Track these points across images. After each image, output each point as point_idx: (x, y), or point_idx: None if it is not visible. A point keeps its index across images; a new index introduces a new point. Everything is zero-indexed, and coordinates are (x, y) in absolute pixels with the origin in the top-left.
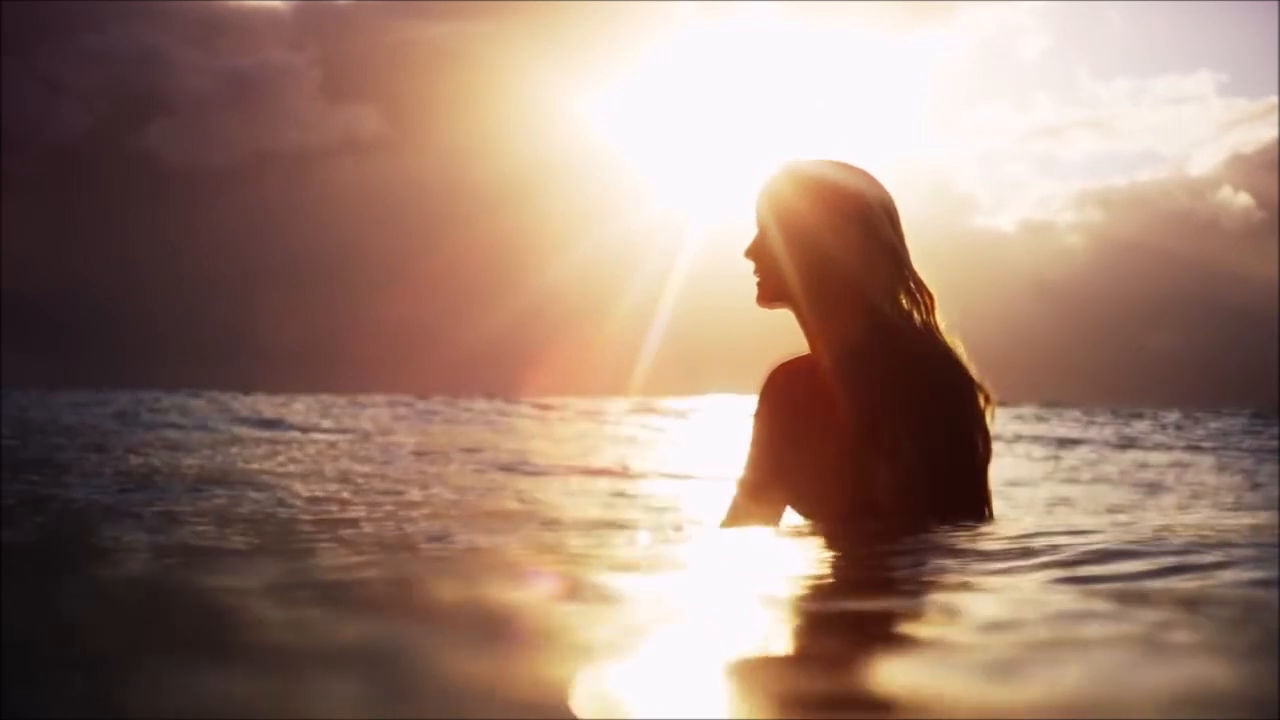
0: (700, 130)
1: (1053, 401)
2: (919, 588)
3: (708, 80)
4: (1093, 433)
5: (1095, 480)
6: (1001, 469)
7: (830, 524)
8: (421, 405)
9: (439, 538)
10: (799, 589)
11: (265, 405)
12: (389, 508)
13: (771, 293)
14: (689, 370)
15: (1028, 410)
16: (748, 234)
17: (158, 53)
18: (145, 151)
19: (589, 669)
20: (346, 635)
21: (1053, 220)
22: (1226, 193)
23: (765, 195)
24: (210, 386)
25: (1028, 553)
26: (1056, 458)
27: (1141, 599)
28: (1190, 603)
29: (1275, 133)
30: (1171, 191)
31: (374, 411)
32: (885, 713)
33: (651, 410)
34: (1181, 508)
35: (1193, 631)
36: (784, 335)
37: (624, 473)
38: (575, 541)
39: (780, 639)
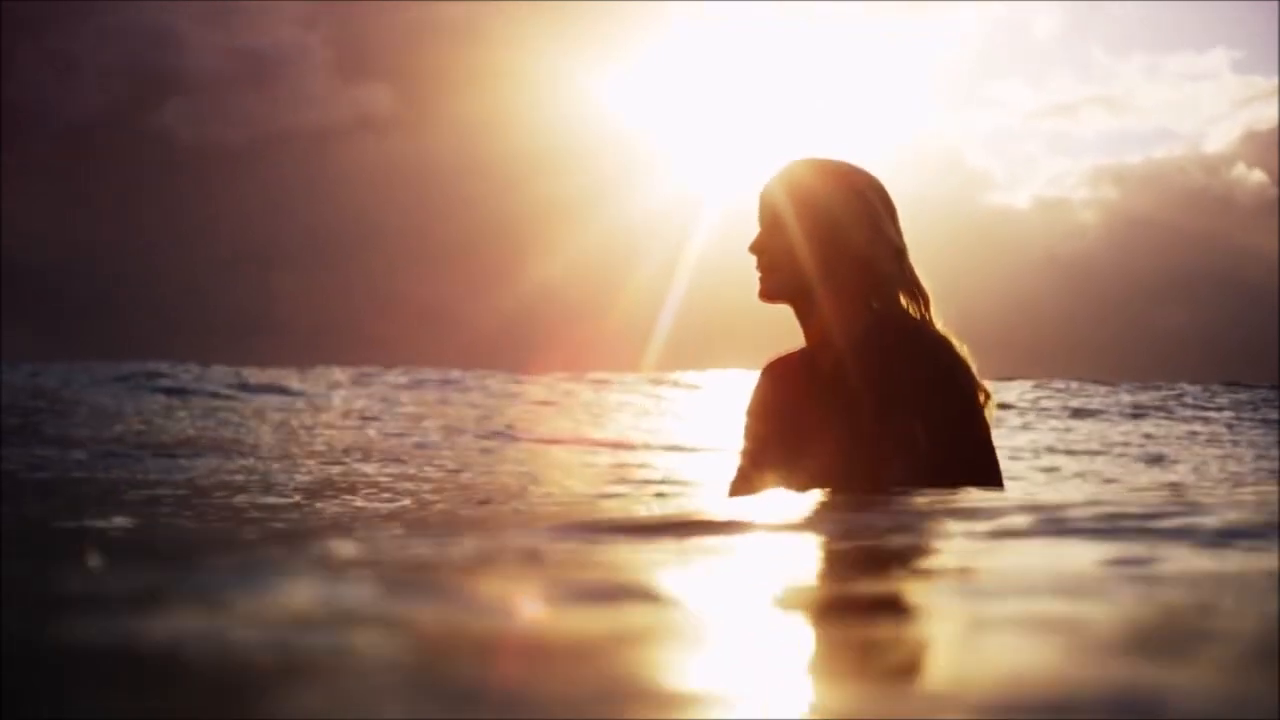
0: (715, 107)
1: (1064, 376)
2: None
3: (722, 57)
4: (1105, 404)
5: (1100, 451)
6: (1011, 438)
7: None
8: (436, 377)
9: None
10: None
11: (264, 377)
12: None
13: (775, 288)
14: (704, 345)
15: (1025, 383)
16: (754, 224)
17: (171, 31)
18: (160, 130)
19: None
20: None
21: (1066, 197)
22: (1240, 170)
23: (770, 193)
24: (225, 361)
25: (1052, 522)
26: (1068, 429)
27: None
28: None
29: None
30: (1185, 168)
31: (381, 385)
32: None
33: (664, 384)
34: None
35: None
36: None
37: (622, 444)
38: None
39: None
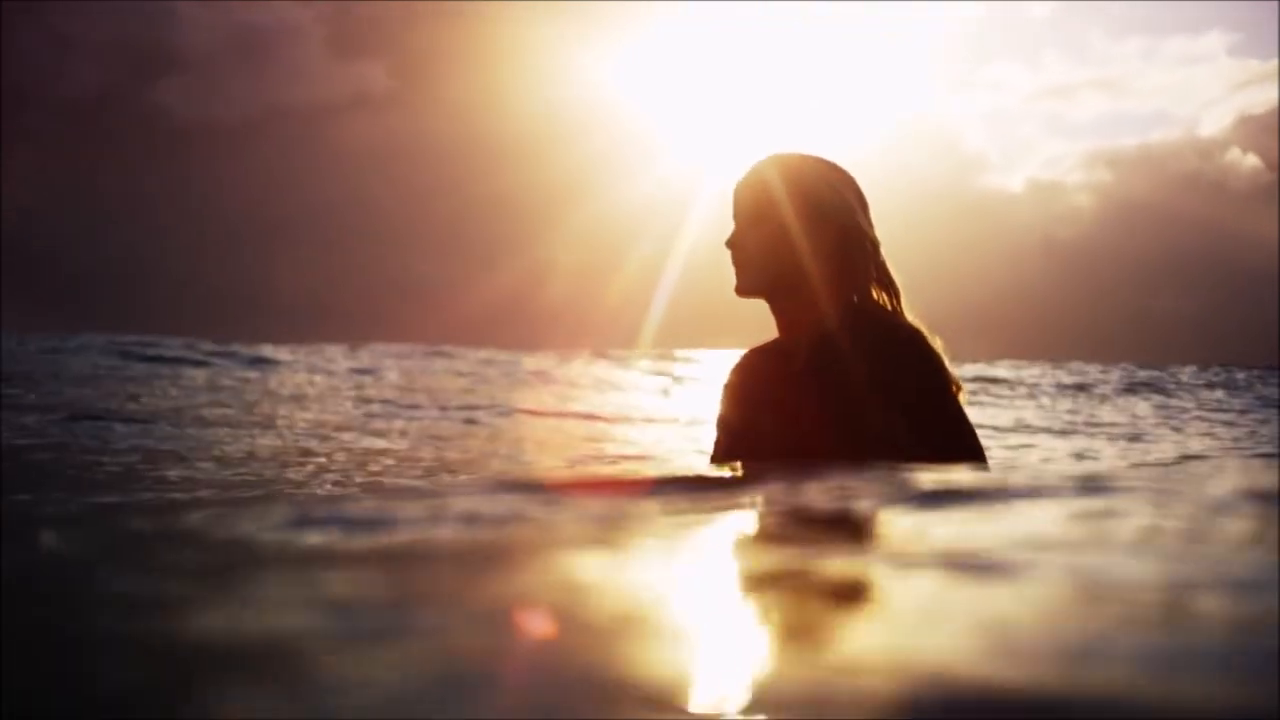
0: (714, 88)
1: (1061, 357)
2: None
3: (721, 39)
4: (1094, 382)
5: (1072, 430)
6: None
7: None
8: (426, 351)
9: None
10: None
11: (257, 351)
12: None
13: (753, 283)
14: (702, 323)
15: (1020, 363)
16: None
17: (168, 8)
18: (156, 106)
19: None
20: None
21: (1062, 180)
22: (1235, 154)
23: (748, 188)
24: (219, 335)
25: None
26: (1072, 401)
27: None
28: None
29: None
30: (1181, 152)
31: (373, 358)
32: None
33: (661, 362)
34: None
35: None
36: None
37: (600, 417)
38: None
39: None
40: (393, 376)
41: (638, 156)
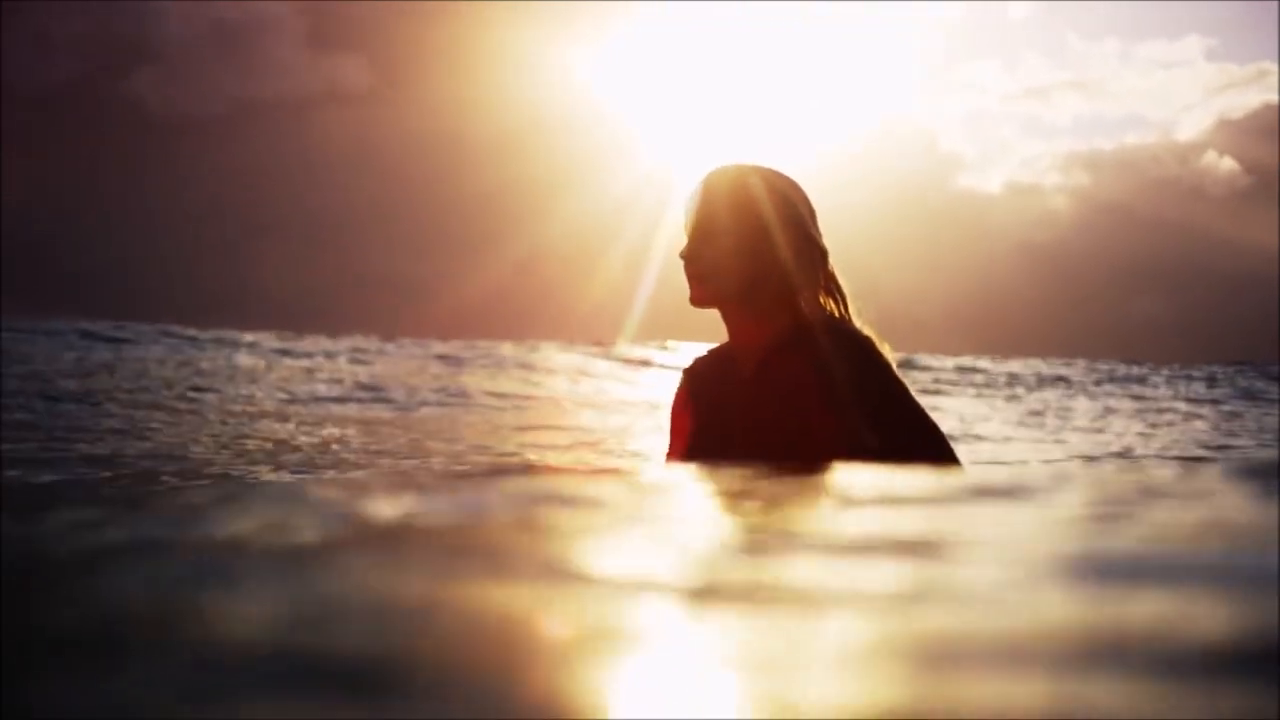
0: (691, 87)
1: (1042, 354)
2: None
3: (699, 39)
4: (1066, 380)
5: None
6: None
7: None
8: (388, 347)
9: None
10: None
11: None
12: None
13: (709, 294)
14: (683, 315)
15: (987, 362)
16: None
17: (142, 1)
18: (131, 99)
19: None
20: None
21: (1039, 182)
22: (1211, 157)
23: (699, 200)
24: (199, 324)
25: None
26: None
27: None
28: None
29: (1262, 98)
30: (1158, 155)
31: (342, 350)
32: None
33: (644, 350)
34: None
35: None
36: None
37: (559, 403)
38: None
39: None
40: (351, 367)
41: (619, 153)
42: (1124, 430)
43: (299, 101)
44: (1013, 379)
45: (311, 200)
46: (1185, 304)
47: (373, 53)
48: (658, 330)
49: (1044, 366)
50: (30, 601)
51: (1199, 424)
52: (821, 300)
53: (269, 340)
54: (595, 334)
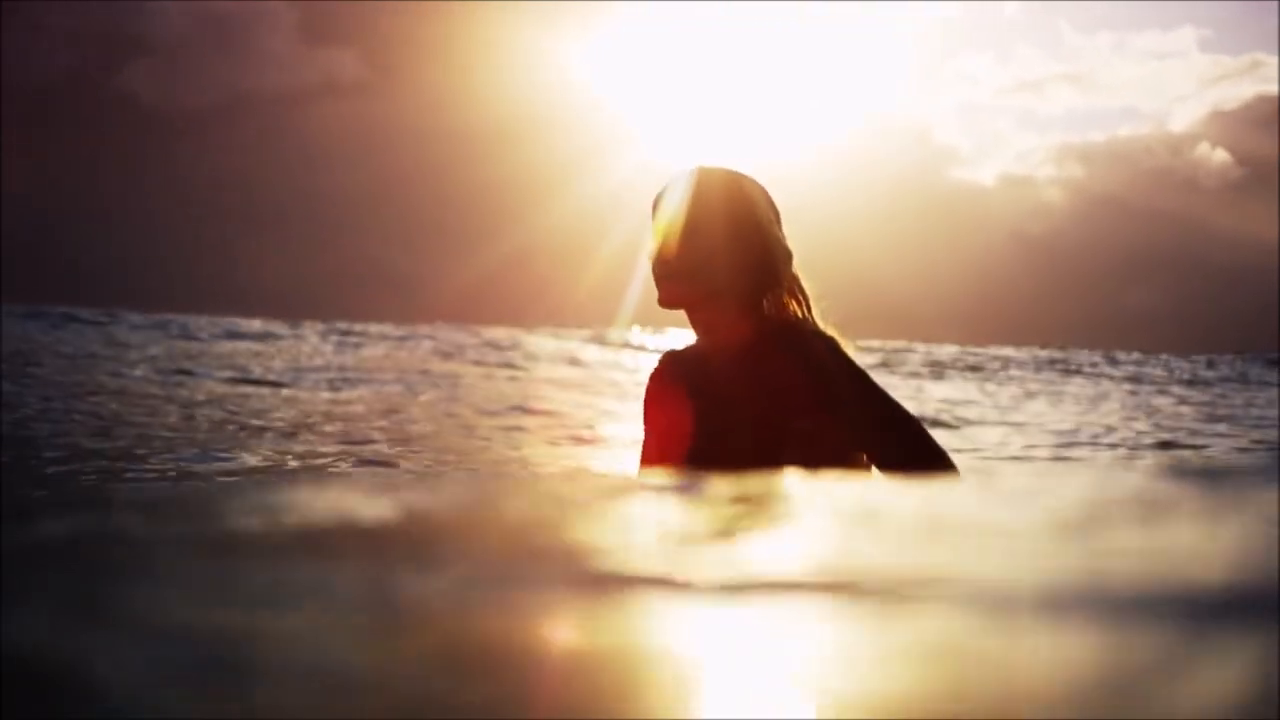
0: (685, 79)
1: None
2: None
3: (693, 31)
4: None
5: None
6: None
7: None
8: (398, 329)
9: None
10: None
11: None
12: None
13: (679, 296)
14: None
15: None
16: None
17: None
18: (124, 92)
19: None
20: None
21: (1032, 174)
22: (1204, 149)
23: (670, 202)
24: (191, 311)
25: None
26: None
27: None
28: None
29: (1255, 89)
30: (1151, 147)
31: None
32: None
33: (640, 336)
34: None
35: None
36: None
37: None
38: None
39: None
40: (334, 352)
41: (612, 144)
42: (1108, 413)
43: (293, 94)
44: (1005, 363)
45: (306, 191)
46: (1179, 294)
47: (366, 46)
48: (651, 318)
49: (1039, 353)
50: None
51: (1184, 409)
52: (786, 301)
53: (255, 326)
54: (589, 321)
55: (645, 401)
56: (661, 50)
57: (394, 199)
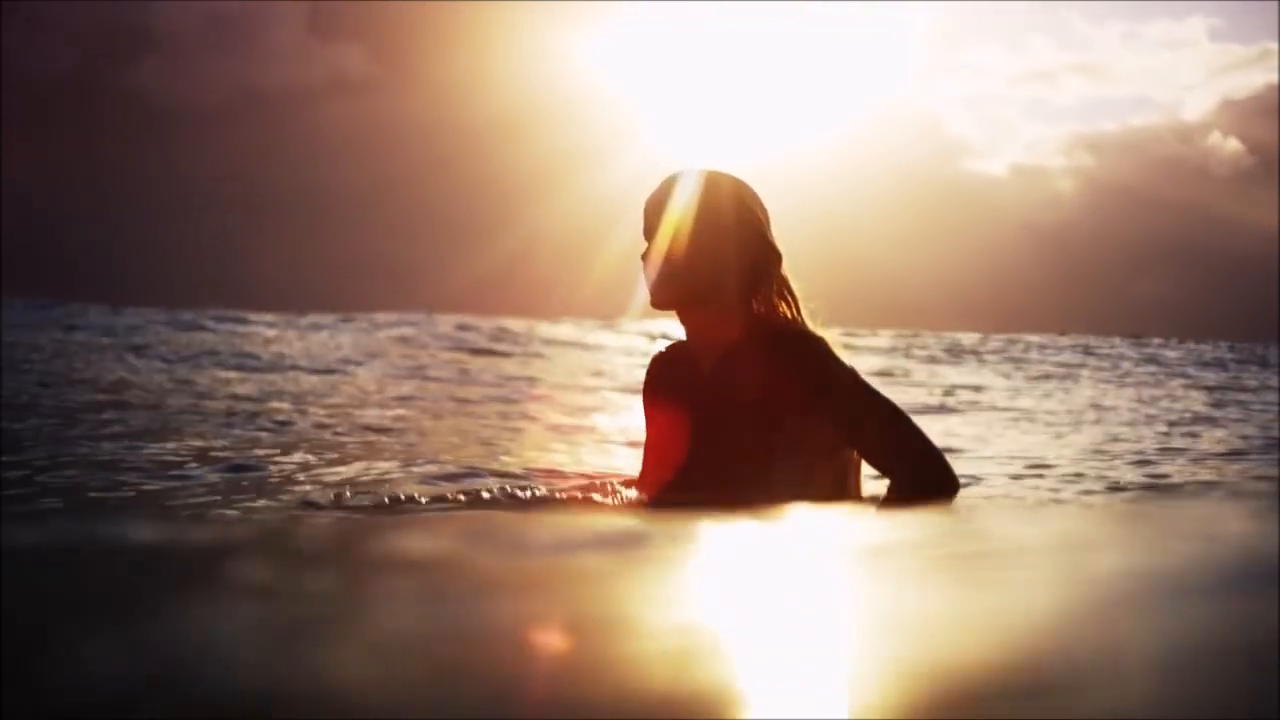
0: (694, 72)
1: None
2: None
3: (702, 23)
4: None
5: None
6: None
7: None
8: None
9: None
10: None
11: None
12: None
13: (671, 296)
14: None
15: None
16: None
17: None
18: (131, 89)
19: None
20: None
21: (1044, 164)
22: (1216, 138)
23: (661, 206)
24: (199, 307)
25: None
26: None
27: None
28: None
29: (1265, 78)
30: (1163, 136)
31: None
32: None
33: (649, 325)
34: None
35: None
36: None
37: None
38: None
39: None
40: (337, 343)
41: (621, 138)
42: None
43: (300, 90)
44: (1018, 349)
45: (314, 186)
46: (1190, 283)
47: (375, 42)
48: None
49: (1050, 341)
50: None
51: (1195, 394)
52: (775, 303)
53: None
54: (600, 311)
55: (643, 394)
56: (670, 44)
57: (405, 193)
